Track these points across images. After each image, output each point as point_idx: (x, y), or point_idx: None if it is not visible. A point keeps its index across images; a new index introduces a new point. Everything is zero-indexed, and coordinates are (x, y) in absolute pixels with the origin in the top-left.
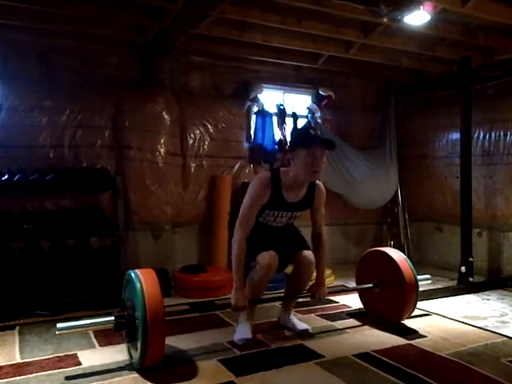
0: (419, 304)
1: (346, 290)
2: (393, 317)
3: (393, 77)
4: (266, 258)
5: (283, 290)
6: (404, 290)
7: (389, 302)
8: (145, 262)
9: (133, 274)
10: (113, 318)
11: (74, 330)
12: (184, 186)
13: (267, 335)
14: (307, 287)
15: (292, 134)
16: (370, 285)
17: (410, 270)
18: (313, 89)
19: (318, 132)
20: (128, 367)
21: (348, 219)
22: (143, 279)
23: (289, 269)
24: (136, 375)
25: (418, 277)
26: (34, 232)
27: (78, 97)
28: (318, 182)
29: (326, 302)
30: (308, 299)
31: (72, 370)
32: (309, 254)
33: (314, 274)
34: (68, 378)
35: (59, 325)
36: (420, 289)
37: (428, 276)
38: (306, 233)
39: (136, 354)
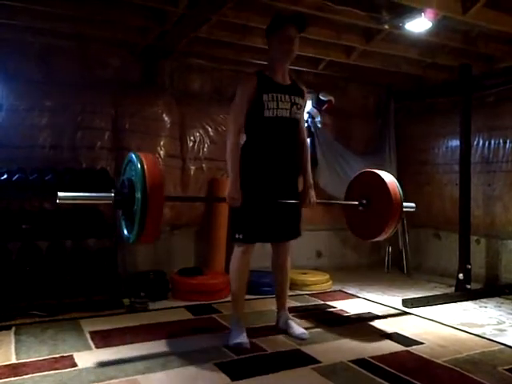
0: (416, 310)
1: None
2: (373, 233)
3: (393, 83)
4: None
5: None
6: (389, 207)
7: (373, 219)
8: (142, 263)
9: (133, 155)
10: (112, 194)
11: (74, 201)
12: (183, 189)
13: (264, 339)
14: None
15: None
16: (356, 202)
17: (398, 191)
18: (313, 93)
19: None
20: (124, 369)
21: (346, 224)
22: (144, 159)
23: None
24: (132, 378)
25: (404, 203)
26: (32, 232)
27: (79, 98)
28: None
29: (324, 307)
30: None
31: (68, 372)
32: (289, 249)
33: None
34: (64, 380)
35: (60, 194)
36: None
37: (413, 204)
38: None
39: (133, 230)
